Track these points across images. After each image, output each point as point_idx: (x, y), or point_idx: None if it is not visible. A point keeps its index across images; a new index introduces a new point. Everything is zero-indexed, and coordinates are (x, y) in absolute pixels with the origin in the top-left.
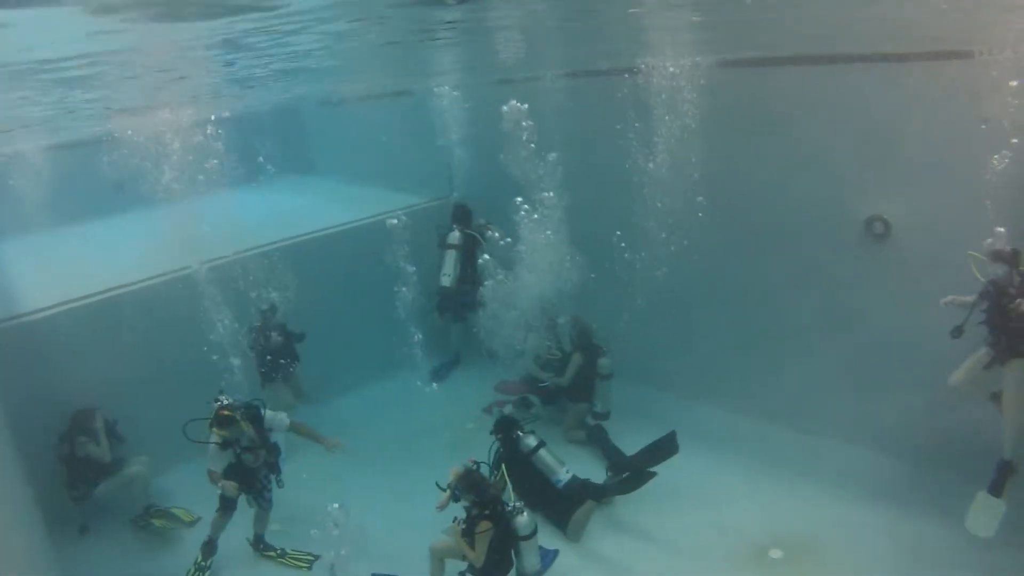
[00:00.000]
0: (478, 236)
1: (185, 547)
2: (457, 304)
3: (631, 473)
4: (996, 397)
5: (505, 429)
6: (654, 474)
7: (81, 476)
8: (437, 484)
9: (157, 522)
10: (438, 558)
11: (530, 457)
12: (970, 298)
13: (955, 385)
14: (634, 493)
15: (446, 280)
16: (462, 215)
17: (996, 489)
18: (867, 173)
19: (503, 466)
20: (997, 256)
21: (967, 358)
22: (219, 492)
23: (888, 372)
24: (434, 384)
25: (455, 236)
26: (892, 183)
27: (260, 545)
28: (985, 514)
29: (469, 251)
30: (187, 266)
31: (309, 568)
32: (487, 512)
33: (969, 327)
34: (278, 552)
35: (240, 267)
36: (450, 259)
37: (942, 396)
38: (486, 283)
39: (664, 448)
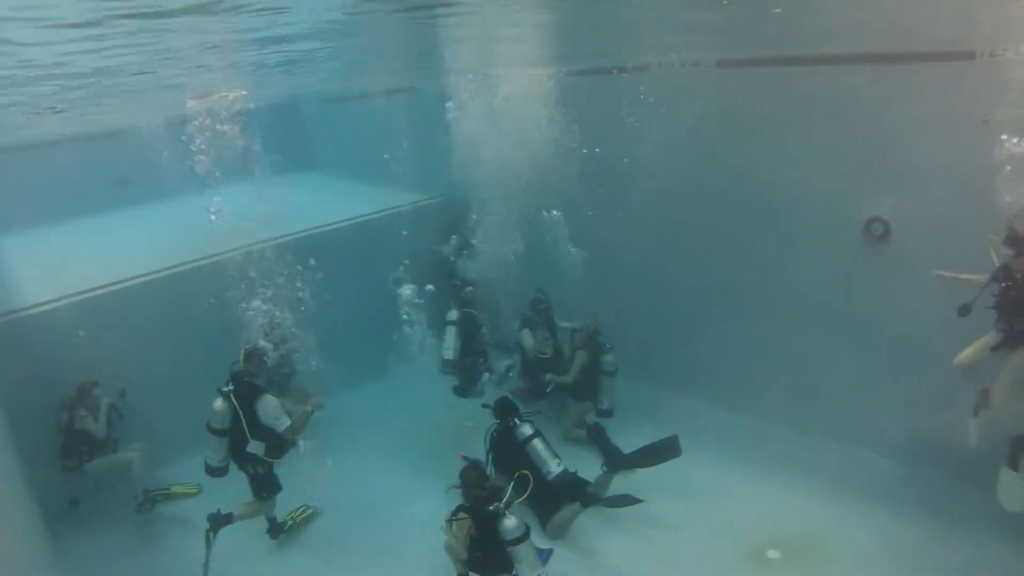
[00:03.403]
0: (475, 314)
1: (182, 541)
2: (463, 375)
3: (623, 495)
4: (985, 393)
5: (503, 414)
6: (640, 500)
7: (75, 449)
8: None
9: (160, 496)
10: (453, 554)
11: (524, 446)
12: (969, 276)
13: (959, 365)
14: (631, 491)
15: (448, 353)
16: (460, 294)
17: (1013, 463)
18: (867, 174)
19: (516, 475)
20: (1010, 240)
21: (976, 341)
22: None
23: (887, 373)
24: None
25: (453, 314)
26: (892, 184)
27: (277, 531)
28: (1009, 489)
29: (469, 326)
30: (194, 259)
31: (317, 512)
32: (467, 505)
33: (978, 309)
34: (288, 521)
35: (248, 260)
36: (450, 334)
37: (940, 397)
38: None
39: (664, 450)
